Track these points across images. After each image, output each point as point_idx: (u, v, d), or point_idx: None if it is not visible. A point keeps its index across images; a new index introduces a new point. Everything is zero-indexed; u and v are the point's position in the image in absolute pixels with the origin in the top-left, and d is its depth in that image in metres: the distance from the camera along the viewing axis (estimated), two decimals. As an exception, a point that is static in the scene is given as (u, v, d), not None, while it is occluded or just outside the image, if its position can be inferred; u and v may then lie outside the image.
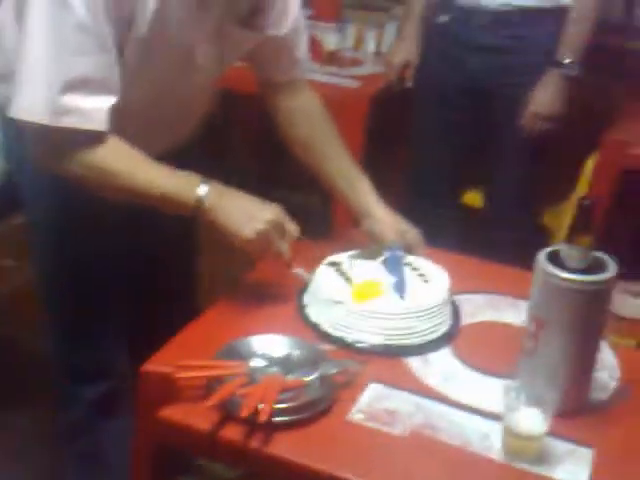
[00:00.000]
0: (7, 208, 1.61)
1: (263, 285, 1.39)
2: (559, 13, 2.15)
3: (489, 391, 1.16)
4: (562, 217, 2.46)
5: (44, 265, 1.46)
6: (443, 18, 2.26)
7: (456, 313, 1.34)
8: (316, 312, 1.30)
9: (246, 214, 1.22)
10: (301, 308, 1.32)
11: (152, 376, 1.13)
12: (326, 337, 1.25)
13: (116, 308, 1.49)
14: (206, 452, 1.09)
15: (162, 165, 1.22)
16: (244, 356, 1.13)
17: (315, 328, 1.27)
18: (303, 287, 1.34)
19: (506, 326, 1.34)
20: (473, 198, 2.58)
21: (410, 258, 1.39)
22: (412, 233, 1.46)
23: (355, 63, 2.78)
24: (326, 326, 1.27)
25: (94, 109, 1.16)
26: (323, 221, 2.57)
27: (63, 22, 1.10)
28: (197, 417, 1.07)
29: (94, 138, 1.17)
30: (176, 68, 1.29)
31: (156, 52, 1.22)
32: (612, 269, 1.09)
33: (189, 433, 1.07)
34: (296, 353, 1.16)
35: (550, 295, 1.09)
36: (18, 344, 2.29)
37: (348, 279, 1.32)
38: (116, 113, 1.19)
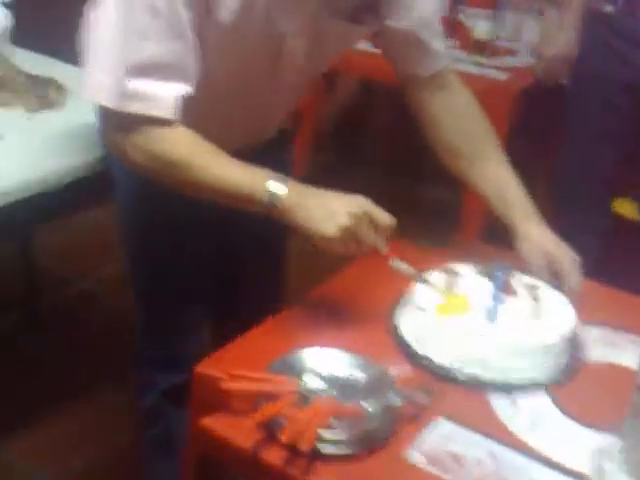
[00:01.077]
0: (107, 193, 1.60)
1: (351, 288, 1.27)
2: None
3: (584, 447, 0.98)
4: None
5: (131, 254, 1.43)
6: (608, 8, 2.02)
7: (566, 350, 1.15)
8: (402, 319, 1.17)
9: (327, 210, 1.08)
10: (390, 317, 1.19)
11: (204, 379, 1.05)
12: (403, 348, 1.13)
13: (200, 304, 1.45)
14: (246, 471, 1.01)
15: (234, 160, 1.12)
16: (298, 371, 1.03)
17: (396, 335, 1.15)
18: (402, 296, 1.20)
19: (622, 370, 1.14)
20: (626, 207, 2.33)
21: (531, 281, 1.21)
22: (565, 260, 1.26)
23: (508, 53, 2.57)
24: (406, 335, 1.14)
25: (164, 96, 1.08)
26: (451, 217, 2.42)
27: (134, 2, 1.04)
28: (240, 432, 0.98)
29: (162, 126, 1.10)
30: (262, 60, 1.19)
31: (240, 41, 1.13)
32: None
33: (230, 448, 0.98)
34: (359, 374, 1.04)
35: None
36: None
37: (449, 290, 1.18)
38: (193, 103, 1.11)
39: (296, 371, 1.03)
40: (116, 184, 1.38)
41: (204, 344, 1.45)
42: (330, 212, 1.08)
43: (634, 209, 2.26)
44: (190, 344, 1.43)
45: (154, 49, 1.06)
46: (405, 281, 1.18)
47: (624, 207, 2.33)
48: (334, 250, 1.10)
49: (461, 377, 1.08)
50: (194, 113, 1.11)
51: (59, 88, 1.74)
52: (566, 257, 1.26)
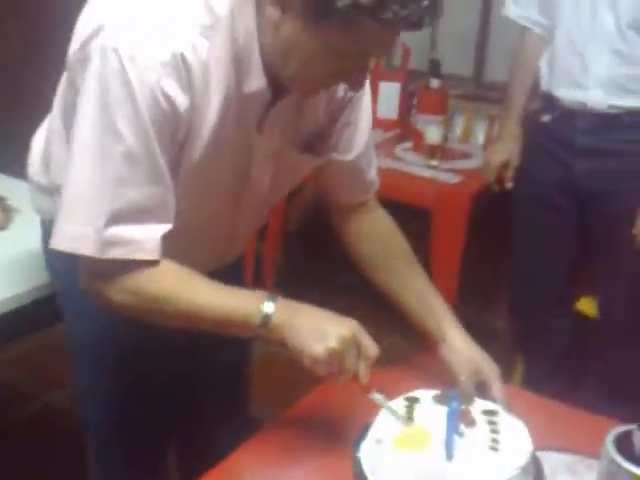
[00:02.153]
0: (53, 318, 1.59)
1: (317, 415, 1.28)
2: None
3: None
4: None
5: (80, 380, 1.42)
6: (546, 117, 2.11)
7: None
8: (362, 451, 1.16)
9: (317, 330, 1.09)
10: (353, 448, 1.18)
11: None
12: None
13: (157, 437, 1.44)
14: None
15: (220, 284, 1.14)
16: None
17: (356, 468, 1.14)
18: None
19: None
20: (588, 305, 2.36)
21: (491, 406, 1.22)
22: (488, 369, 1.31)
23: (461, 156, 2.67)
24: (365, 469, 1.13)
25: (145, 238, 1.09)
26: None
27: (111, 151, 1.05)
28: None
29: (144, 267, 1.11)
30: (227, 192, 1.24)
31: (208, 176, 1.17)
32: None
33: None
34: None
35: (618, 489, 0.93)
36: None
37: (409, 420, 1.19)
38: (167, 234, 1.13)
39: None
40: (66, 306, 1.37)
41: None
42: (321, 333, 1.10)
43: (594, 307, 2.32)
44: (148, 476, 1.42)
45: (133, 195, 1.07)
46: (374, 409, 1.19)
47: (585, 305, 2.38)
48: (318, 370, 1.11)
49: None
50: (165, 241, 1.13)
51: (4, 208, 1.70)
52: (490, 368, 1.30)
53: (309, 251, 3.25)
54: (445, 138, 2.66)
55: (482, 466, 1.11)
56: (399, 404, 1.21)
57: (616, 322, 2.19)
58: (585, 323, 2.34)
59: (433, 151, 2.57)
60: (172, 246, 1.14)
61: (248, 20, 1.07)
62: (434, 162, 2.55)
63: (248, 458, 1.19)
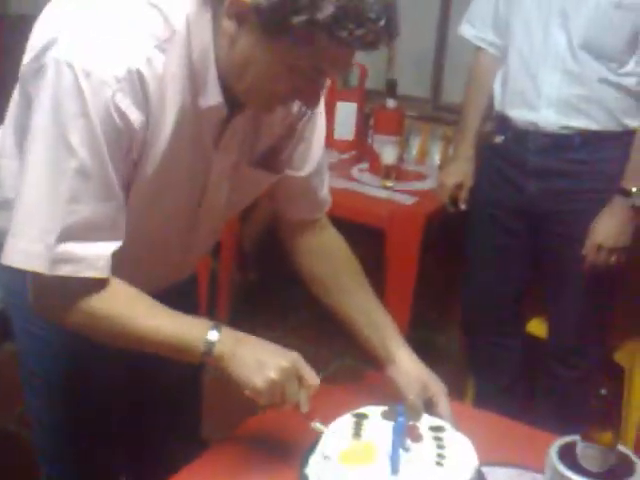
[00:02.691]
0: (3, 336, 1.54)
1: (265, 434, 1.26)
2: (625, 136, 1.98)
3: None
4: (638, 355, 2.24)
5: (31, 401, 1.37)
6: (499, 138, 2.13)
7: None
8: (310, 467, 1.16)
9: (258, 361, 1.11)
10: (301, 465, 1.17)
11: None
12: None
13: (109, 452, 1.40)
14: None
15: (167, 308, 1.13)
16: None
17: None
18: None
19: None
20: (539, 327, 2.37)
21: (438, 423, 1.22)
22: (436, 387, 1.31)
23: (417, 177, 2.68)
24: None
25: (96, 256, 1.07)
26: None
27: (64, 166, 1.03)
28: None
29: (94, 285, 1.09)
30: (181, 208, 1.21)
31: (162, 193, 1.15)
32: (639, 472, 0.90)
33: None
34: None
35: (561, 500, 0.91)
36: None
37: (357, 436, 1.17)
38: (117, 252, 1.11)
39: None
40: (15, 323, 1.33)
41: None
42: (261, 364, 1.11)
43: (544, 328, 2.32)
44: None
45: (85, 212, 1.05)
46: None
47: (535, 326, 2.38)
48: (260, 401, 1.12)
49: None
50: (116, 260, 1.11)
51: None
52: (437, 385, 1.30)
53: (264, 270, 3.22)
54: (401, 159, 2.66)
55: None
56: (347, 420, 1.20)
57: (565, 343, 2.19)
58: (535, 343, 2.35)
59: (388, 172, 2.56)
60: (125, 262, 1.12)
61: (205, 33, 1.06)
62: (389, 183, 2.55)
63: (195, 477, 1.17)
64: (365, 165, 2.70)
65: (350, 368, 1.44)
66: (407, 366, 1.32)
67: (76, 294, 1.08)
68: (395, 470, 1.10)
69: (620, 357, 2.31)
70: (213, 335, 1.10)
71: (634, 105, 1.97)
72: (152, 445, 1.48)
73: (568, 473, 0.89)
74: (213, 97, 1.09)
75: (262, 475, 1.16)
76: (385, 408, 1.23)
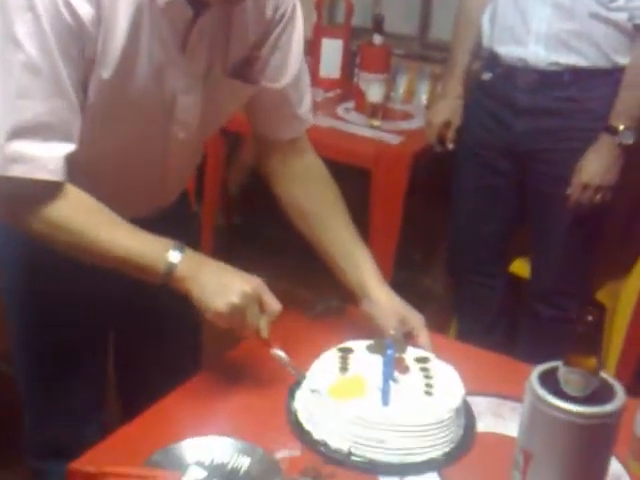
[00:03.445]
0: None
1: (247, 366, 1.25)
2: (615, 74, 1.96)
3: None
4: (621, 295, 2.25)
5: (15, 333, 1.36)
6: (487, 75, 2.09)
7: (457, 424, 1.15)
8: (298, 400, 1.16)
9: (220, 285, 1.10)
10: (288, 398, 1.18)
11: (77, 476, 1.00)
12: (296, 431, 1.11)
13: (94, 381, 1.40)
14: None
15: (129, 224, 1.10)
16: (180, 464, 0.99)
17: (291, 417, 1.14)
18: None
19: (508, 440, 1.14)
20: (522, 267, 2.38)
21: (422, 354, 1.23)
22: (415, 319, 1.29)
23: (403, 117, 2.64)
24: (301, 418, 1.13)
25: (48, 157, 1.04)
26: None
27: (12, 61, 1.01)
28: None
29: (51, 189, 1.06)
30: (152, 120, 1.17)
31: (127, 99, 1.11)
32: (620, 397, 0.91)
33: None
34: (246, 462, 1.01)
35: (541, 425, 0.91)
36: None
37: (344, 369, 1.18)
38: (84, 168, 1.08)
39: (179, 463, 0.99)
40: None
41: (104, 430, 1.35)
42: (223, 287, 1.10)
43: (527, 269, 2.33)
44: (86, 430, 1.37)
45: (36, 108, 1.03)
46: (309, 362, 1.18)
47: (519, 267, 2.38)
48: (220, 324, 1.11)
49: (353, 460, 1.07)
50: (84, 178, 1.09)
51: None
52: (415, 318, 1.30)
53: (249, 214, 3.20)
54: (387, 97, 2.62)
55: (418, 410, 1.11)
56: (333, 355, 1.21)
57: (548, 283, 2.20)
58: (518, 284, 2.35)
59: (375, 111, 2.53)
60: (102, 184, 1.10)
61: None
62: (376, 122, 2.51)
63: (183, 400, 1.17)
64: (351, 104, 2.66)
65: (336, 309, 1.42)
66: (382, 299, 1.30)
67: (32, 199, 1.06)
68: (386, 401, 1.11)
69: (602, 296, 2.32)
70: (175, 256, 1.09)
71: (624, 41, 1.94)
72: (145, 377, 1.47)
73: (549, 397, 0.89)
74: None
75: (252, 399, 1.17)
76: (370, 342, 1.23)
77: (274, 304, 1.13)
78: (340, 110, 2.62)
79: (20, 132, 1.02)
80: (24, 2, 0.99)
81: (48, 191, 1.06)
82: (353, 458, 1.07)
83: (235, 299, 1.09)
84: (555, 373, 0.92)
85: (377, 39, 2.60)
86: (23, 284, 1.31)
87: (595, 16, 1.92)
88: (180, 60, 1.13)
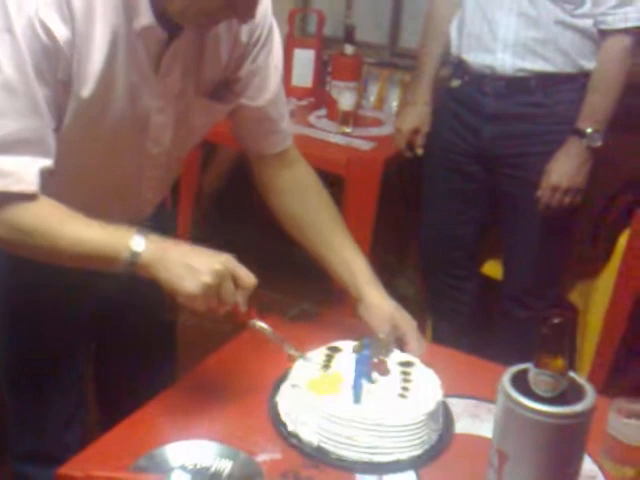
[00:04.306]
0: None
1: (225, 372, 1.27)
2: (581, 78, 2.00)
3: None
4: (592, 296, 2.30)
5: None
6: (456, 82, 2.13)
7: (432, 427, 1.17)
8: (282, 394, 1.20)
9: (189, 266, 1.08)
10: (271, 393, 1.21)
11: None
12: (277, 426, 1.15)
13: (76, 387, 1.42)
14: None
15: (91, 219, 1.11)
16: (164, 468, 1.01)
17: (273, 412, 1.17)
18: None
19: (483, 441, 1.17)
20: (494, 269, 2.42)
21: (407, 358, 1.26)
22: (407, 325, 1.33)
23: (374, 123, 2.68)
24: (281, 412, 1.17)
25: (24, 171, 1.07)
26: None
27: None
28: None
29: (23, 199, 1.08)
30: (126, 137, 1.20)
31: (103, 118, 1.14)
32: (589, 398, 0.94)
33: None
34: (228, 465, 1.04)
35: (514, 426, 0.94)
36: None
37: (326, 367, 1.21)
38: (60, 181, 1.10)
39: (163, 467, 1.01)
40: None
41: (85, 435, 1.39)
42: (192, 269, 1.08)
43: (499, 270, 2.37)
44: (68, 434, 1.39)
45: (11, 126, 1.05)
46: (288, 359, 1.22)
47: (491, 268, 2.43)
48: (196, 307, 1.10)
49: (330, 457, 1.10)
50: (60, 191, 1.10)
51: None
52: (408, 323, 1.33)
53: (225, 215, 3.21)
54: (358, 105, 2.65)
55: (387, 411, 1.13)
56: (321, 353, 1.24)
57: (520, 284, 2.24)
58: (491, 286, 2.39)
59: (346, 118, 2.56)
60: (78, 202, 1.11)
61: None
62: (347, 129, 2.55)
63: (165, 406, 1.19)
64: (323, 112, 2.70)
65: (309, 313, 1.45)
66: (377, 303, 1.33)
67: (8, 210, 1.08)
68: (357, 399, 1.13)
69: (574, 297, 2.37)
70: (139, 243, 1.08)
71: (590, 47, 1.99)
72: (123, 387, 1.49)
73: (520, 398, 0.92)
74: (145, 18, 1.09)
75: (233, 402, 1.19)
76: (355, 343, 1.26)
77: (247, 277, 1.12)
78: (312, 118, 2.65)
79: None
80: (2, 24, 1.01)
81: (20, 201, 1.08)
82: (326, 455, 1.10)
83: (206, 278, 1.07)
84: (526, 375, 0.95)
85: (348, 49, 2.64)
86: (2, 297, 1.32)
87: (561, 23, 1.97)
88: (154, 81, 1.16)
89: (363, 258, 1.37)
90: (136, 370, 1.49)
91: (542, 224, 2.12)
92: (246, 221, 2.91)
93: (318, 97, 2.78)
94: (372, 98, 2.82)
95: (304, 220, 1.37)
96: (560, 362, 0.92)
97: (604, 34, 1.97)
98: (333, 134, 2.53)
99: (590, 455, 1.10)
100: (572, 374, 0.95)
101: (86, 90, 1.09)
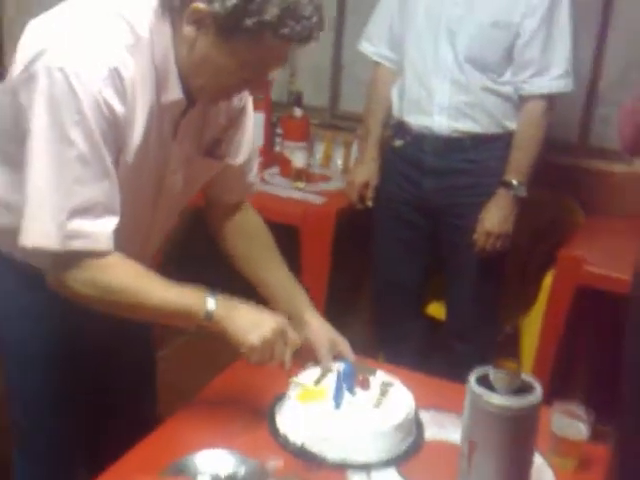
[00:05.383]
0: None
1: (236, 389, 1.49)
2: (507, 138, 2.31)
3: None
4: (525, 329, 2.55)
5: (12, 388, 1.51)
6: (399, 142, 2.40)
7: (406, 432, 1.39)
8: (276, 407, 1.42)
9: (252, 322, 1.31)
10: (270, 409, 1.42)
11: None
12: (274, 434, 1.35)
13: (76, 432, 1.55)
14: None
15: (168, 281, 1.30)
16: (189, 473, 1.19)
17: (274, 430, 1.37)
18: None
19: (449, 445, 1.39)
20: (437, 310, 2.68)
21: (389, 380, 1.47)
22: (342, 342, 1.56)
23: (323, 179, 2.92)
24: (277, 420, 1.38)
25: (100, 231, 1.24)
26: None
27: (65, 156, 1.20)
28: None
29: (100, 257, 1.25)
30: (148, 192, 1.39)
31: (135, 177, 1.32)
32: (538, 393, 1.17)
33: None
34: (243, 469, 1.22)
35: (480, 418, 1.16)
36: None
37: (317, 383, 1.43)
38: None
39: (189, 473, 1.18)
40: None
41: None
42: (254, 324, 1.31)
43: (442, 311, 2.62)
44: (69, 473, 1.55)
45: (88, 192, 1.22)
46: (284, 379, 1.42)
47: (435, 309, 2.67)
48: (253, 358, 1.32)
49: (318, 458, 1.31)
50: None
51: None
52: (343, 342, 1.55)
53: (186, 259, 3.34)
54: (308, 163, 2.90)
55: (363, 418, 1.35)
56: (314, 372, 1.46)
57: (461, 322, 2.49)
58: (435, 325, 2.64)
59: (299, 174, 2.80)
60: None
61: (165, 38, 1.26)
62: (300, 184, 2.78)
63: (183, 422, 1.37)
64: (276, 169, 2.92)
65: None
66: (316, 325, 1.55)
67: (87, 268, 1.25)
68: (337, 405, 1.37)
69: (509, 329, 2.62)
70: (211, 303, 1.29)
71: (511, 109, 2.30)
72: (113, 427, 1.62)
73: (484, 394, 1.14)
74: (174, 93, 1.29)
75: (233, 427, 1.37)
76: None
77: (296, 338, 1.36)
78: (266, 175, 2.87)
79: (77, 213, 1.21)
80: (73, 105, 1.18)
81: (98, 260, 1.25)
82: (305, 450, 1.31)
83: (267, 334, 1.30)
84: (487, 376, 1.17)
85: (297, 112, 2.90)
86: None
87: (486, 89, 2.27)
88: (171, 146, 1.36)
89: (302, 289, 1.59)
90: (122, 410, 1.64)
91: (478, 267, 2.39)
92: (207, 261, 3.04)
93: (269, 156, 3.01)
94: (318, 156, 3.07)
95: (251, 257, 1.59)
96: (514, 364, 1.15)
97: (523, 99, 2.28)
98: (287, 189, 2.75)
99: (539, 451, 1.32)
100: (523, 375, 1.18)
101: (130, 157, 1.28)
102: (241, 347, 1.31)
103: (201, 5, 1.19)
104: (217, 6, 1.18)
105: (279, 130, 3.02)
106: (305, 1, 1.20)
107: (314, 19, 1.22)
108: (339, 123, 3.18)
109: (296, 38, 1.22)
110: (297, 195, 2.72)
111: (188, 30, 1.23)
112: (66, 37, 1.21)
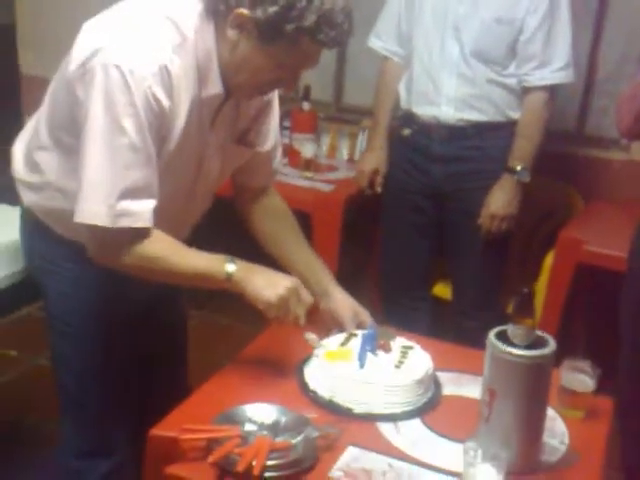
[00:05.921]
0: (22, 302, 1.78)
1: (267, 352, 1.61)
2: (510, 126, 2.44)
3: (451, 454, 1.34)
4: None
5: (62, 357, 1.62)
6: (407, 131, 2.53)
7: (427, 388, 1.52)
8: (307, 363, 1.55)
9: (268, 282, 1.44)
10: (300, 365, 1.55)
11: (158, 439, 1.29)
12: (305, 390, 1.48)
13: (128, 392, 1.67)
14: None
15: (195, 250, 1.44)
16: (238, 421, 1.31)
17: (304, 385, 1.49)
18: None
19: (467, 399, 1.52)
20: (443, 290, 2.80)
21: (410, 344, 1.59)
22: (364, 313, 1.68)
23: (330, 169, 3.05)
24: (305, 374, 1.51)
25: (143, 211, 1.37)
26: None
27: (118, 144, 1.32)
28: (199, 473, 1.23)
29: (143, 233, 1.39)
30: (188, 176, 1.52)
31: (177, 163, 1.45)
32: (552, 345, 1.30)
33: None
34: (283, 419, 1.34)
35: (500, 368, 1.29)
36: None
37: (344, 345, 1.56)
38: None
39: (236, 421, 1.30)
40: (47, 289, 1.59)
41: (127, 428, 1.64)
42: (270, 283, 1.44)
43: (448, 291, 2.75)
44: (114, 431, 1.64)
45: (135, 176, 1.35)
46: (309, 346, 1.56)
47: (441, 290, 2.81)
48: (269, 313, 1.44)
49: (354, 412, 1.43)
50: None
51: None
52: (364, 312, 1.68)
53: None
54: (316, 153, 3.02)
55: (385, 375, 1.48)
56: (340, 336, 1.59)
57: (467, 301, 2.62)
58: (441, 306, 2.76)
59: (308, 164, 2.93)
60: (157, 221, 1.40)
61: (209, 39, 1.38)
62: (309, 174, 2.91)
63: (226, 379, 1.51)
64: (285, 160, 3.04)
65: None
66: (339, 297, 1.68)
67: (131, 242, 1.39)
68: (362, 365, 1.49)
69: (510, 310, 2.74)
70: (231, 267, 1.43)
71: (515, 100, 2.43)
72: (157, 389, 1.74)
73: (503, 347, 1.27)
74: (214, 88, 1.42)
75: (271, 383, 1.51)
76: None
77: (308, 296, 1.48)
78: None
79: (125, 195, 1.34)
80: (127, 98, 1.30)
81: (141, 235, 1.39)
82: (334, 404, 1.44)
83: (282, 292, 1.42)
84: (506, 331, 1.30)
85: (305, 105, 3.03)
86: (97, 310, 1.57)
87: (491, 82, 2.40)
88: (209, 135, 1.48)
89: (325, 266, 1.72)
90: (163, 378, 1.76)
91: (483, 249, 2.51)
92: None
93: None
94: (325, 147, 3.20)
95: (277, 238, 1.72)
96: (530, 320, 1.28)
97: (526, 90, 2.41)
98: (297, 178, 2.88)
99: (550, 405, 1.45)
100: (538, 331, 1.31)
101: (172, 144, 1.41)
102: (259, 304, 1.43)
103: (244, 11, 1.32)
104: (259, 12, 1.31)
105: (286, 123, 3.13)
106: (338, 8, 1.33)
107: (345, 26, 1.35)
108: (344, 116, 3.30)
109: (330, 43, 1.35)
110: (307, 184, 2.85)
111: (231, 33, 1.35)
112: (120, 37, 1.34)
